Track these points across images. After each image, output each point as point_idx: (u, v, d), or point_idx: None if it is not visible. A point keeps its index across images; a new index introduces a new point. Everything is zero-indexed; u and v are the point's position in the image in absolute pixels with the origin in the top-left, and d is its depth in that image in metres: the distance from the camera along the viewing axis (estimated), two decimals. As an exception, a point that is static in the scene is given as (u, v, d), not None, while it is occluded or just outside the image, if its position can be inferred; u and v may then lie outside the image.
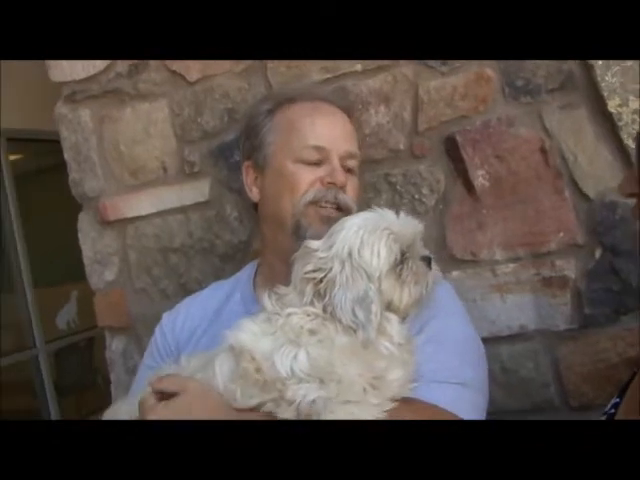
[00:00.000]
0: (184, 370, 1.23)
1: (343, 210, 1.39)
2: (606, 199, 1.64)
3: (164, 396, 1.13)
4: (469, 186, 1.75)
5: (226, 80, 1.95)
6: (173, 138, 2.02)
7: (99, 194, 2.11)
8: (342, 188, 1.39)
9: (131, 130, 2.06)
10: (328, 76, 1.84)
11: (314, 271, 1.17)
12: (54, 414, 4.45)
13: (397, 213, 1.20)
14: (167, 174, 2.04)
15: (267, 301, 1.19)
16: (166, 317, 1.53)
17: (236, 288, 1.51)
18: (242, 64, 1.91)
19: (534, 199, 1.69)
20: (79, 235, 2.14)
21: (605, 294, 1.65)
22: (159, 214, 2.06)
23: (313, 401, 1.06)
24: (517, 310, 1.73)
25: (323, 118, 1.44)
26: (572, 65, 1.64)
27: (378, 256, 1.15)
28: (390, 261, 1.15)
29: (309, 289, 1.16)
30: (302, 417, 1.05)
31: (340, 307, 1.13)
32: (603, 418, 1.15)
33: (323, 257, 1.18)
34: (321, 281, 1.16)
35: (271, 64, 1.88)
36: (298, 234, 1.39)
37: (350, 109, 1.54)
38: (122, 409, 1.28)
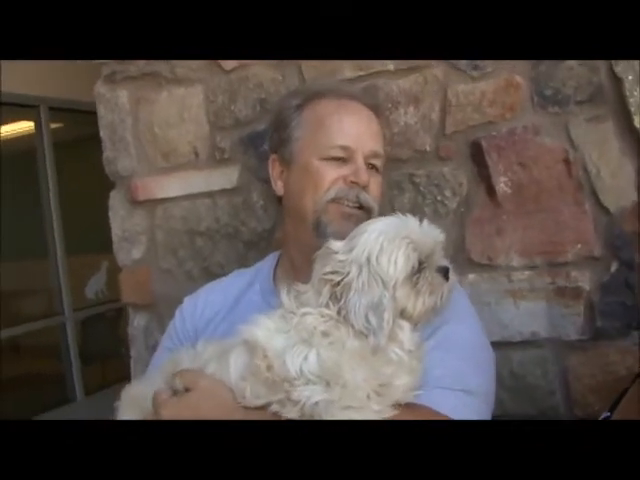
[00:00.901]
0: (199, 356, 1.28)
1: (364, 209, 1.42)
2: (626, 214, 1.65)
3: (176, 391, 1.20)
4: (491, 191, 1.77)
5: (261, 70, 1.98)
6: (206, 124, 2.07)
7: (131, 174, 2.17)
8: (365, 187, 1.43)
9: (166, 113, 2.11)
10: (361, 73, 1.87)
11: (332, 273, 1.20)
12: (77, 380, 4.59)
13: (420, 220, 1.23)
14: (198, 159, 2.10)
15: (285, 297, 1.23)
16: (187, 301, 1.58)
17: (256, 278, 1.56)
18: (277, 56, 1.95)
19: (554, 209, 1.71)
20: (109, 213, 2.21)
21: (618, 308, 1.67)
22: (188, 197, 2.12)
23: (316, 403, 1.09)
24: (529, 317, 1.76)
25: (350, 116, 1.47)
26: (602, 78, 1.65)
27: (395, 264, 1.18)
28: (407, 270, 1.18)
29: (326, 290, 1.20)
30: (305, 418, 1.10)
31: (354, 312, 1.16)
32: None
33: (342, 260, 1.21)
34: (338, 284, 1.19)
35: (305, 58, 1.92)
36: (318, 231, 1.43)
37: (378, 108, 1.57)
38: (137, 389, 1.34)
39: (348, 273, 1.19)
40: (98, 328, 4.92)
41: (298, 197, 1.47)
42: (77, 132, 4.50)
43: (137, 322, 2.19)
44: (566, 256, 1.71)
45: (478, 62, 1.75)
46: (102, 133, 2.20)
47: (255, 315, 1.24)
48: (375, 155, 1.47)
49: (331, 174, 1.44)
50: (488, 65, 1.74)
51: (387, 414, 1.10)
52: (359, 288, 1.18)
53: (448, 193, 1.82)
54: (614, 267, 1.68)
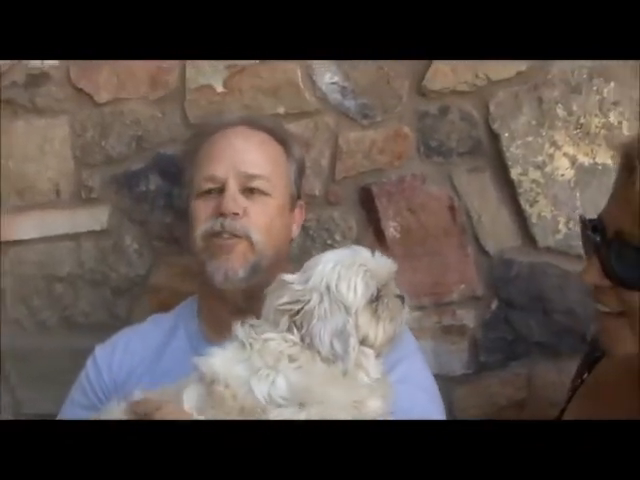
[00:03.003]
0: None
1: (240, 237, 1.36)
2: (504, 256, 1.80)
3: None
4: (380, 235, 1.83)
5: (139, 106, 1.87)
6: (71, 159, 1.89)
7: (-25, 212, 1.90)
8: (235, 214, 1.36)
9: (22, 146, 1.90)
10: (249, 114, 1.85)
11: (290, 303, 1.16)
12: None
13: (372, 251, 1.25)
14: (60, 197, 1.90)
15: (240, 330, 1.16)
16: (100, 351, 1.40)
17: (179, 323, 1.43)
18: (159, 92, 1.86)
19: (440, 252, 1.82)
20: (-57, 256, 1.91)
21: (499, 342, 1.80)
22: (45, 239, 1.90)
23: None
24: (417, 356, 1.82)
25: (228, 142, 1.41)
26: (481, 133, 1.80)
27: (355, 291, 1.17)
28: (367, 296, 1.18)
29: (284, 320, 1.15)
30: None
31: (319, 339, 1.13)
32: None
33: (300, 290, 1.17)
34: (297, 313, 1.15)
35: (190, 96, 1.85)
36: (203, 270, 1.37)
37: (281, 134, 1.53)
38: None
39: (308, 301, 1.16)
40: None
41: (190, 243, 1.42)
42: None
43: (-24, 383, 1.88)
44: (451, 296, 1.82)
45: (368, 111, 1.82)
46: (-62, 165, 1.91)
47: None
48: (252, 177, 1.39)
49: (203, 209, 1.38)
50: (378, 115, 1.82)
51: None
52: (322, 315, 1.15)
53: (338, 237, 1.85)
54: (494, 305, 1.81)
